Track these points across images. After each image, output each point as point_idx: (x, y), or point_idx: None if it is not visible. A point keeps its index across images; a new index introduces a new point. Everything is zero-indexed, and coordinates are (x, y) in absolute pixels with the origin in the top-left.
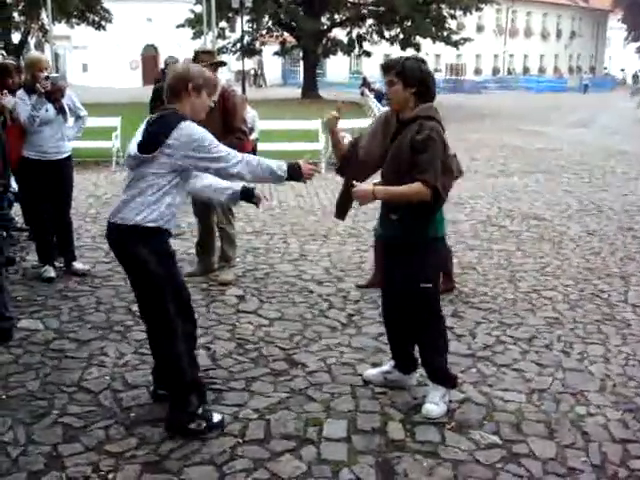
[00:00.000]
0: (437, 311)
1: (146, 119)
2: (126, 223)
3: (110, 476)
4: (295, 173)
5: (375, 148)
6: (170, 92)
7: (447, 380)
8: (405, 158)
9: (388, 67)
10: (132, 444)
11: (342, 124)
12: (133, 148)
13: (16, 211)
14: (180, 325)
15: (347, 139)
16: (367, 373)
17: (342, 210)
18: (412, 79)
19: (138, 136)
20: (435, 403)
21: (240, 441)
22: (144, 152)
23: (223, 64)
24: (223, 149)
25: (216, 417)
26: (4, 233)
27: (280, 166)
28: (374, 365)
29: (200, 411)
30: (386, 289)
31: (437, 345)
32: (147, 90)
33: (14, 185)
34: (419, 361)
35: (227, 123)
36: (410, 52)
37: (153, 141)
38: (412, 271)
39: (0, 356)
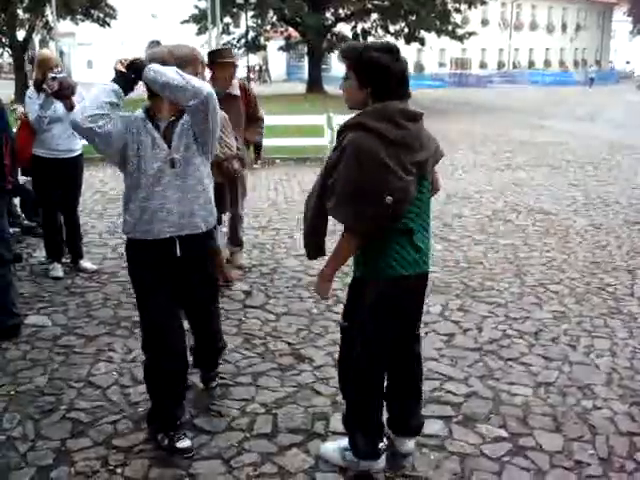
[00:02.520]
0: (353, 360)
1: None
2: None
3: (119, 470)
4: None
5: None
6: None
7: (352, 444)
8: (321, 181)
9: (344, 56)
10: (140, 438)
11: (347, 119)
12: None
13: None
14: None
15: None
16: None
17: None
18: (369, 76)
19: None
20: (337, 445)
21: (247, 435)
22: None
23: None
24: None
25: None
26: (12, 230)
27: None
28: None
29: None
30: None
31: (349, 402)
32: None
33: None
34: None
35: (249, 113)
36: (415, 46)
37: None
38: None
39: (8, 352)
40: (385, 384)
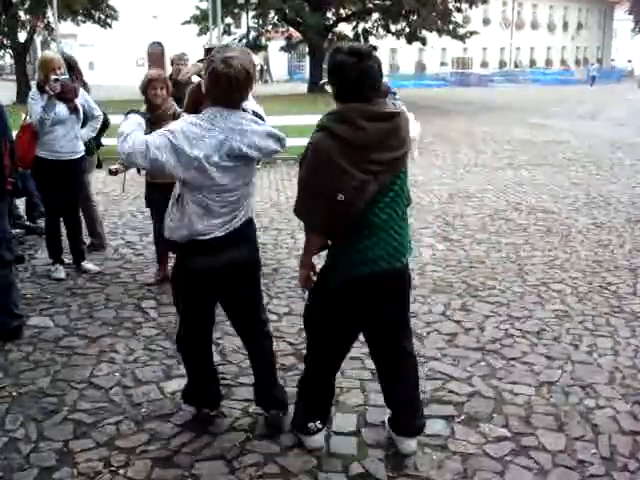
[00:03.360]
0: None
1: None
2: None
3: (121, 471)
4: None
5: None
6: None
7: (293, 420)
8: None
9: None
10: (143, 439)
11: None
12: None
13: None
14: None
15: None
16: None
17: None
18: (330, 77)
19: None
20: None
21: (250, 436)
22: None
23: None
24: None
25: None
26: (14, 231)
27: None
28: None
29: None
30: None
31: (300, 382)
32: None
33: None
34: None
35: None
36: (416, 46)
37: None
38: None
39: (10, 354)
40: (382, 384)
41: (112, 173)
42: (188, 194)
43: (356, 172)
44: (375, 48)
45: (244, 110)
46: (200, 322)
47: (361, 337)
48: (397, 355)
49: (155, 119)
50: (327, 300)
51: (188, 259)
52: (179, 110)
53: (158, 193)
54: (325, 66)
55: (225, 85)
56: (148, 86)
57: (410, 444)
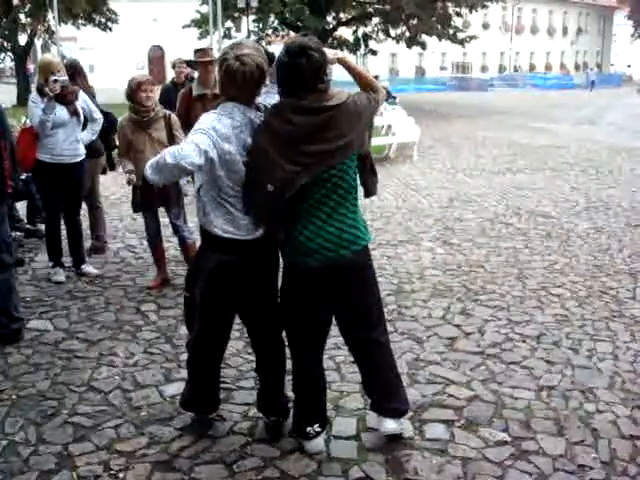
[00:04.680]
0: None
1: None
2: None
3: (121, 475)
4: None
5: None
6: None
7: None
8: None
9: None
10: (142, 443)
11: None
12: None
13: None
14: None
15: None
16: None
17: None
18: (276, 74)
19: None
20: None
21: (250, 440)
22: None
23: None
24: None
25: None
26: (14, 234)
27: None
28: None
29: None
30: None
31: (295, 391)
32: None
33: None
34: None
35: None
36: (416, 50)
37: None
38: None
39: (10, 357)
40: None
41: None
42: (215, 194)
43: (285, 163)
44: (309, 47)
45: (257, 108)
46: (219, 324)
47: None
48: (362, 344)
49: (148, 122)
50: (286, 295)
51: (218, 254)
52: (168, 112)
53: (154, 197)
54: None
55: (240, 82)
56: (138, 89)
57: (387, 424)
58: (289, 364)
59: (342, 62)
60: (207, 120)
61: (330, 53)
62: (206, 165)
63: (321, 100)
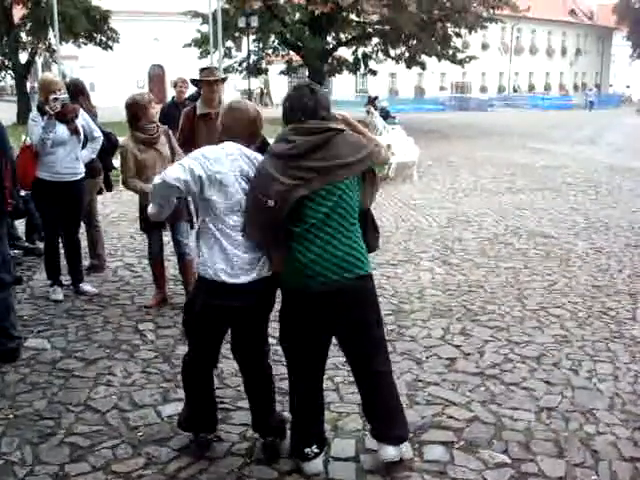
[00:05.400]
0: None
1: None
2: None
3: None
4: None
5: None
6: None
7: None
8: None
9: None
10: (139, 464)
11: None
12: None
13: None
14: None
15: (374, 117)
16: None
17: None
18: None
19: None
20: None
21: (248, 461)
22: None
23: (223, 80)
24: None
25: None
26: (12, 252)
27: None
28: None
29: None
30: None
31: (292, 412)
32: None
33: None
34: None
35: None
36: (416, 70)
37: None
38: None
39: (7, 375)
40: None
41: None
42: (212, 225)
43: (283, 177)
44: (313, 85)
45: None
46: (208, 350)
47: None
48: (364, 373)
49: (155, 139)
50: (286, 318)
51: (204, 296)
52: (165, 127)
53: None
54: (369, 94)
55: (239, 122)
56: (149, 106)
57: (387, 451)
58: (285, 384)
59: (344, 120)
60: (197, 150)
61: (335, 113)
62: (195, 185)
63: (322, 124)
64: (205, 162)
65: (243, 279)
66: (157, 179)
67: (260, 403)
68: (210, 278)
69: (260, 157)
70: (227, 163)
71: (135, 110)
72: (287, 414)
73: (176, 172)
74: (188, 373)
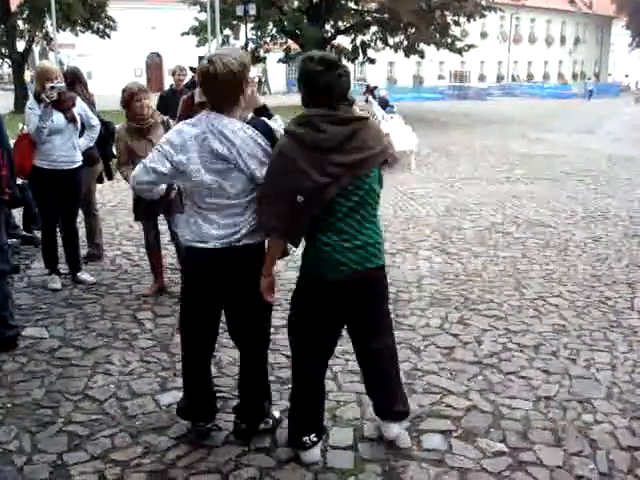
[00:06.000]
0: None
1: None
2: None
3: None
4: None
5: None
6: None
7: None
8: None
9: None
10: (138, 452)
11: None
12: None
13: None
14: None
15: (373, 106)
16: None
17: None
18: (299, 83)
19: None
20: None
21: (246, 449)
22: None
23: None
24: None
25: (277, 414)
26: (10, 241)
27: None
28: None
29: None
30: None
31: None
32: (152, 97)
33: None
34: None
35: None
36: (414, 59)
37: None
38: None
39: (5, 364)
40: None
41: None
42: (188, 199)
43: (315, 174)
44: (340, 60)
45: (251, 123)
46: (201, 329)
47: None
48: (375, 352)
49: (148, 129)
50: (301, 305)
51: (189, 262)
52: (166, 117)
53: (151, 205)
54: (367, 82)
55: (208, 85)
56: (131, 100)
57: (392, 429)
58: (283, 373)
59: None
60: (168, 133)
61: None
62: (163, 179)
63: (349, 112)
64: (169, 152)
65: (212, 244)
66: (130, 182)
67: (248, 392)
68: (184, 245)
69: (253, 133)
70: (193, 147)
71: (122, 101)
72: (277, 413)
73: (140, 175)
74: (184, 356)
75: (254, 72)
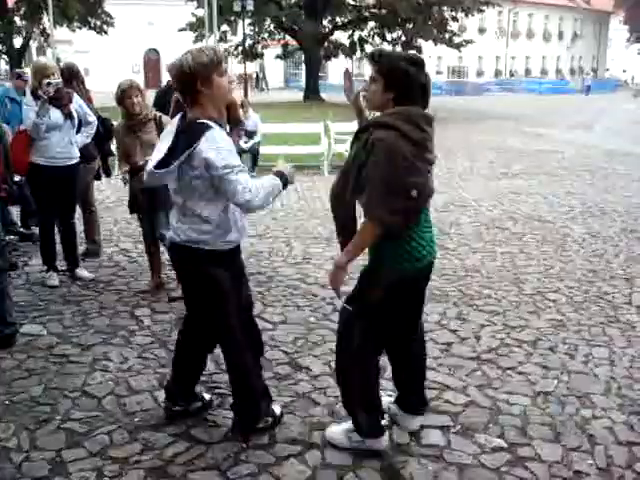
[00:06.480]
0: (350, 344)
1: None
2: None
3: None
4: (283, 180)
5: None
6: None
7: (358, 425)
8: (351, 176)
9: (374, 60)
10: (136, 449)
11: (344, 127)
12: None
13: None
14: (246, 336)
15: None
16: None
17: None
18: (394, 82)
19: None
20: (342, 429)
21: (244, 446)
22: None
23: None
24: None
25: (277, 410)
26: (7, 238)
27: (274, 182)
28: None
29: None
30: None
31: (346, 384)
32: (149, 93)
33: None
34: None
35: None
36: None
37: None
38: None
39: (3, 361)
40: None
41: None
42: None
43: (423, 169)
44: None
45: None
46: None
47: None
48: (411, 341)
49: (138, 124)
50: (385, 301)
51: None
52: (159, 114)
53: (146, 198)
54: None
55: (174, 81)
56: (123, 96)
57: (415, 422)
58: (281, 369)
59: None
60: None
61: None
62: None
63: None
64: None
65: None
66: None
67: (233, 387)
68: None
69: (206, 154)
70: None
71: (117, 95)
72: (278, 409)
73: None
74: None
75: (252, 68)
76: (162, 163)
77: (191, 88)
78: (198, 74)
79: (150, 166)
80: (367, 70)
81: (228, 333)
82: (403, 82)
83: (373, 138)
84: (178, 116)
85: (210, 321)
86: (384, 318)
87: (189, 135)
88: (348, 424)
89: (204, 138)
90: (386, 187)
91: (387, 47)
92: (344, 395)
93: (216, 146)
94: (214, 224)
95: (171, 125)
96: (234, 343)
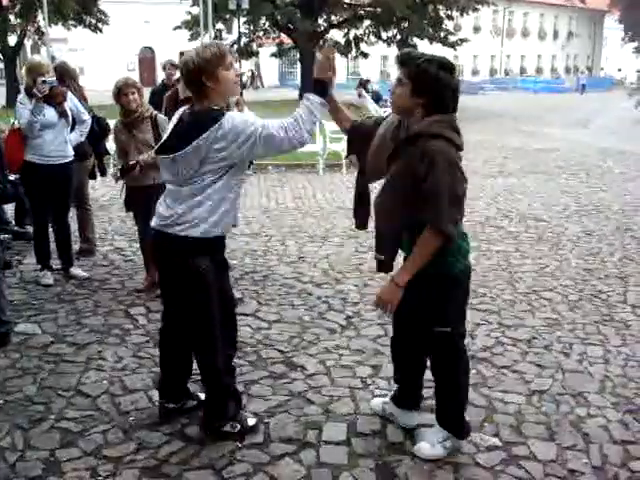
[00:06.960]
0: (457, 356)
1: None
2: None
3: None
4: (322, 88)
5: (382, 165)
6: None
7: (457, 429)
8: (404, 190)
9: (402, 62)
10: (131, 448)
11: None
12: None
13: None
14: (223, 334)
15: (366, 100)
16: (372, 403)
17: (362, 219)
18: (423, 87)
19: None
20: (431, 443)
21: (239, 445)
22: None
23: None
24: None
25: (251, 421)
26: (2, 236)
27: (312, 100)
28: (373, 367)
29: (236, 415)
30: (395, 324)
31: (454, 393)
32: (144, 92)
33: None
34: (422, 401)
35: None
36: None
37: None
38: (424, 312)
39: None
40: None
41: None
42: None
43: (464, 175)
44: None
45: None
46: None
47: (355, 346)
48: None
49: (134, 123)
50: (459, 297)
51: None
52: (155, 112)
53: (141, 196)
54: (360, 77)
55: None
56: (120, 94)
57: (413, 417)
58: (276, 368)
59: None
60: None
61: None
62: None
63: None
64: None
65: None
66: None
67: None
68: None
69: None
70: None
71: (114, 93)
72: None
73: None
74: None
75: (248, 66)
76: (181, 144)
77: (198, 83)
78: (203, 69)
79: (165, 155)
80: (363, 68)
81: (206, 328)
82: (433, 87)
83: (432, 150)
84: (181, 110)
85: (188, 314)
86: (459, 318)
87: (206, 118)
88: (436, 435)
89: (227, 115)
90: (451, 198)
91: (382, 45)
92: (451, 409)
93: (239, 116)
94: (206, 210)
95: (175, 119)
96: (210, 340)
